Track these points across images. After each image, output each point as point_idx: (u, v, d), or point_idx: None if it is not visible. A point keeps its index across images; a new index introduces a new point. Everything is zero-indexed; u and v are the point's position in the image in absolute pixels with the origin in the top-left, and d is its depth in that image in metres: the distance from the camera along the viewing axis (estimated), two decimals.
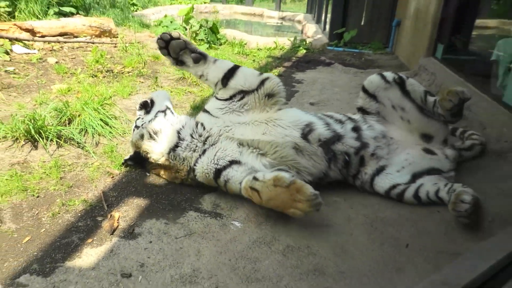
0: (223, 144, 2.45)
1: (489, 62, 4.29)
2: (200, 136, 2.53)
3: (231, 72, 2.58)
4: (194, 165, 2.46)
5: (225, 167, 2.37)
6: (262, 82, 2.55)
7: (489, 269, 1.46)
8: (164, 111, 2.74)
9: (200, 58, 2.60)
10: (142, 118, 2.81)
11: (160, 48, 2.59)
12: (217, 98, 2.63)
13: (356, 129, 2.57)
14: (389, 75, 2.62)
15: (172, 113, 2.79)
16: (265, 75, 2.59)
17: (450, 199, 2.21)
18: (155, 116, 2.71)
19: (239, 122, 2.54)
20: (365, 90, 2.69)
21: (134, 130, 2.77)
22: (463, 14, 5.23)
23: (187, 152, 2.50)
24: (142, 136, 2.61)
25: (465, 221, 2.13)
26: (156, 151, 2.55)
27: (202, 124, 2.58)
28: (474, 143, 2.96)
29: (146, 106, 2.88)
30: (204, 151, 2.46)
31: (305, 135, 2.45)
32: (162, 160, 2.55)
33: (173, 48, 2.56)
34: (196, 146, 2.51)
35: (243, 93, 2.56)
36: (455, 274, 1.42)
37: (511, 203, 2.39)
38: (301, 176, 2.40)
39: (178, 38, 2.55)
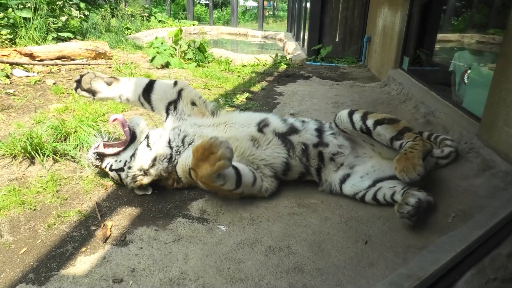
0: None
1: (450, 72, 4.38)
2: (178, 135, 2.51)
3: (149, 87, 2.63)
4: (175, 164, 2.48)
5: None
6: (179, 93, 2.64)
7: (450, 261, 1.47)
8: (146, 139, 2.52)
9: (112, 80, 2.61)
10: (118, 160, 2.49)
11: (75, 89, 2.60)
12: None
13: (319, 130, 2.57)
14: (357, 121, 2.46)
15: (150, 136, 2.54)
16: (179, 85, 2.64)
17: None
18: (139, 149, 2.48)
19: (203, 125, 2.57)
20: (336, 124, 2.60)
21: (119, 174, 2.48)
22: (425, 29, 5.34)
23: (177, 157, 2.48)
24: (134, 177, 2.43)
25: (407, 222, 2.11)
26: (164, 170, 2.47)
27: (179, 128, 2.56)
28: (451, 151, 2.93)
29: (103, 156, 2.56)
30: (182, 152, 2.48)
31: (260, 129, 2.49)
32: (165, 174, 2.50)
33: (85, 80, 2.56)
34: (179, 147, 2.49)
35: (173, 103, 2.65)
36: (419, 267, 1.43)
37: (471, 199, 2.42)
38: (263, 172, 2.45)
39: (88, 73, 2.62)
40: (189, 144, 2.47)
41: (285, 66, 7.79)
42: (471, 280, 1.38)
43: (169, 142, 2.49)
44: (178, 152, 2.48)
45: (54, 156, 2.83)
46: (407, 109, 4.47)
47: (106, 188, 2.59)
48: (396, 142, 2.39)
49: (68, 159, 2.89)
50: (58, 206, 2.35)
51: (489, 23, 4.22)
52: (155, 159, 2.43)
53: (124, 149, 2.51)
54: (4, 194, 2.38)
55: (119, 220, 2.25)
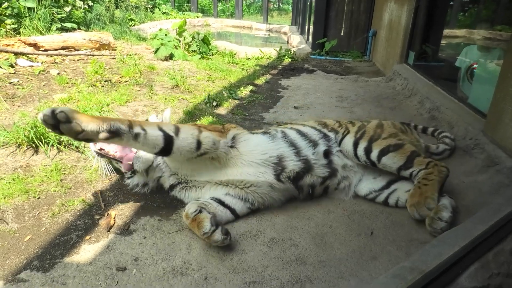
0: (190, 184, 2.32)
1: (456, 68, 4.35)
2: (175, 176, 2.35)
3: (166, 151, 2.02)
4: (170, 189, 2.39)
5: (189, 203, 2.17)
6: (201, 155, 2.14)
7: (453, 255, 1.47)
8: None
9: (112, 136, 1.82)
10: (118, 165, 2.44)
11: (52, 130, 1.70)
12: None
13: (327, 153, 2.41)
14: (362, 155, 2.36)
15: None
16: (203, 149, 2.10)
17: None
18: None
19: (213, 177, 2.27)
20: (341, 150, 2.48)
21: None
22: (432, 24, 5.29)
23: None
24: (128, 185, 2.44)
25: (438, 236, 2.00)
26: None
27: (167, 165, 2.36)
28: (446, 149, 2.93)
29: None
30: (173, 185, 2.36)
31: (278, 176, 2.24)
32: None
33: (67, 133, 1.70)
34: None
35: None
36: (422, 260, 1.43)
37: (475, 195, 2.41)
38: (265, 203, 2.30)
39: (69, 121, 1.67)
40: (180, 183, 2.35)
41: (289, 59, 7.75)
42: (474, 274, 1.38)
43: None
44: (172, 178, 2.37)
45: (58, 145, 2.85)
46: (412, 104, 4.45)
47: (110, 178, 2.60)
48: (405, 171, 2.27)
49: (72, 149, 2.90)
50: (62, 195, 2.37)
51: (496, 19, 4.18)
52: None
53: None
54: (9, 182, 2.40)
55: (122, 210, 2.27)
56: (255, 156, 2.26)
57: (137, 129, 1.89)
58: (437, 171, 2.18)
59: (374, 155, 2.33)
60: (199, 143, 2.09)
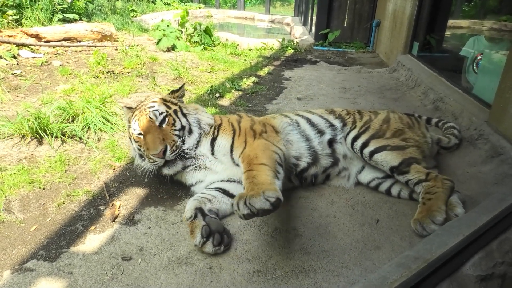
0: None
1: (461, 58, 4.31)
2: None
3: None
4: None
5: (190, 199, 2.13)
6: None
7: (457, 244, 1.47)
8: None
9: None
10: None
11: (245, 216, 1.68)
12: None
13: (331, 141, 2.47)
14: (357, 150, 2.37)
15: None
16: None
17: None
18: None
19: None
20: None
21: None
22: (436, 14, 5.24)
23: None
24: None
25: None
26: None
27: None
28: (456, 143, 2.89)
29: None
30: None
31: (289, 178, 2.36)
32: None
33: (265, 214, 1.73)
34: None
35: None
36: (426, 249, 1.43)
37: (479, 186, 2.41)
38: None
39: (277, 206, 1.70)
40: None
41: (292, 50, 7.71)
42: (479, 263, 1.38)
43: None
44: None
45: (62, 136, 2.85)
46: (416, 95, 4.42)
47: (114, 169, 2.61)
48: (400, 176, 2.20)
49: (76, 140, 2.90)
50: (67, 185, 2.38)
51: (501, 10, 4.14)
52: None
53: None
54: (14, 173, 2.41)
55: (127, 200, 2.28)
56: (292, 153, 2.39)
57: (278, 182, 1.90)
58: (440, 183, 2.07)
59: (366, 151, 2.31)
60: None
